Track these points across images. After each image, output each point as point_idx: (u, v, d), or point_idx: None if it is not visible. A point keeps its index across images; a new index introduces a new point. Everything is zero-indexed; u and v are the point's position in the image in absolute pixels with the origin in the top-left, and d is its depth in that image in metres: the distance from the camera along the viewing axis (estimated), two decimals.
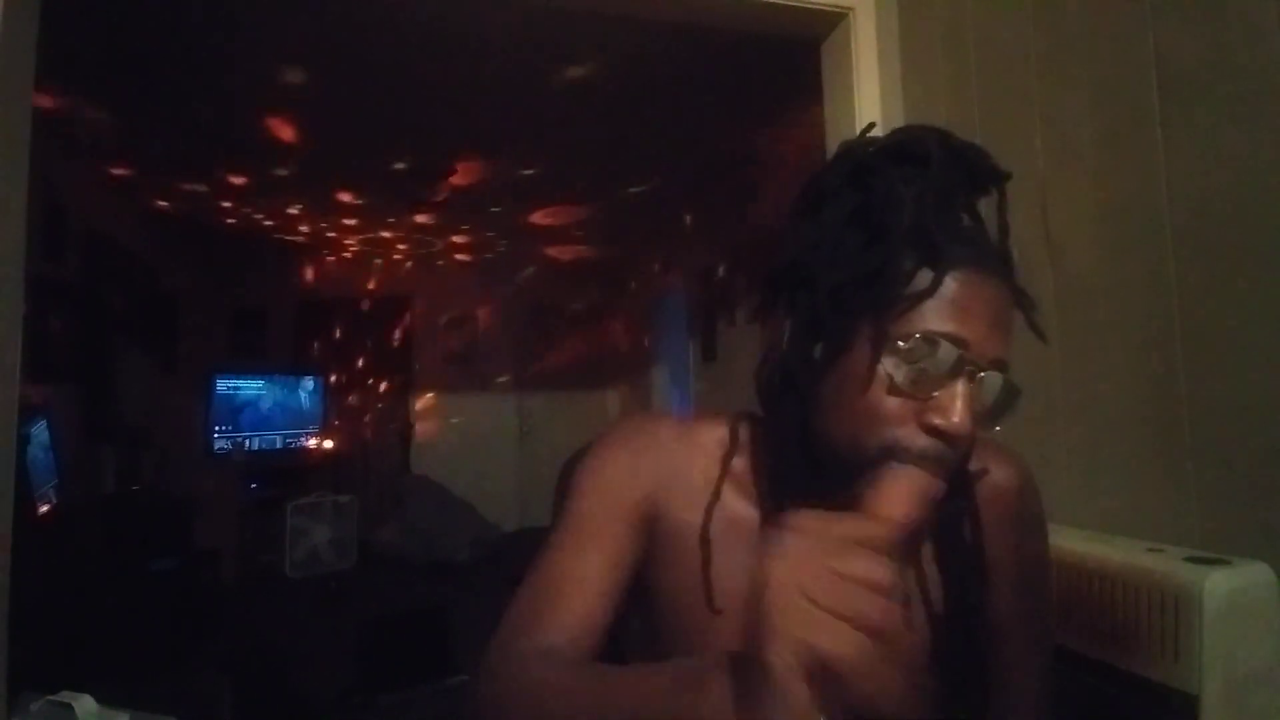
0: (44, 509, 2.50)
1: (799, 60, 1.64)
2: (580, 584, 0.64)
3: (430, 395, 5.84)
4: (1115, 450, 0.96)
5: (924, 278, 0.55)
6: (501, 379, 5.97)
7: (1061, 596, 0.89)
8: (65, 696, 1.08)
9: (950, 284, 0.55)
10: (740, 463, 0.68)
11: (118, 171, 3.57)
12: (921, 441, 0.55)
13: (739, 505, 0.66)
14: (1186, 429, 0.86)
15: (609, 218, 4.55)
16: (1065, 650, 0.86)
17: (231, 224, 4.50)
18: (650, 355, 5.44)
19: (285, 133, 3.12)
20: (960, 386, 0.55)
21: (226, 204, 4.13)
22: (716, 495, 0.66)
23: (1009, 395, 0.57)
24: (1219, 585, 0.74)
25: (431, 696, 2.38)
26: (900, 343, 0.55)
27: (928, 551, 0.66)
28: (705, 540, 0.65)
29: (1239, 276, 0.81)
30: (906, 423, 0.56)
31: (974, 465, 0.64)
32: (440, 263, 5.76)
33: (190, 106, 2.86)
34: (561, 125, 3.08)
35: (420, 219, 4.48)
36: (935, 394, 0.55)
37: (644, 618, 0.70)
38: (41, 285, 2.80)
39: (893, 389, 0.56)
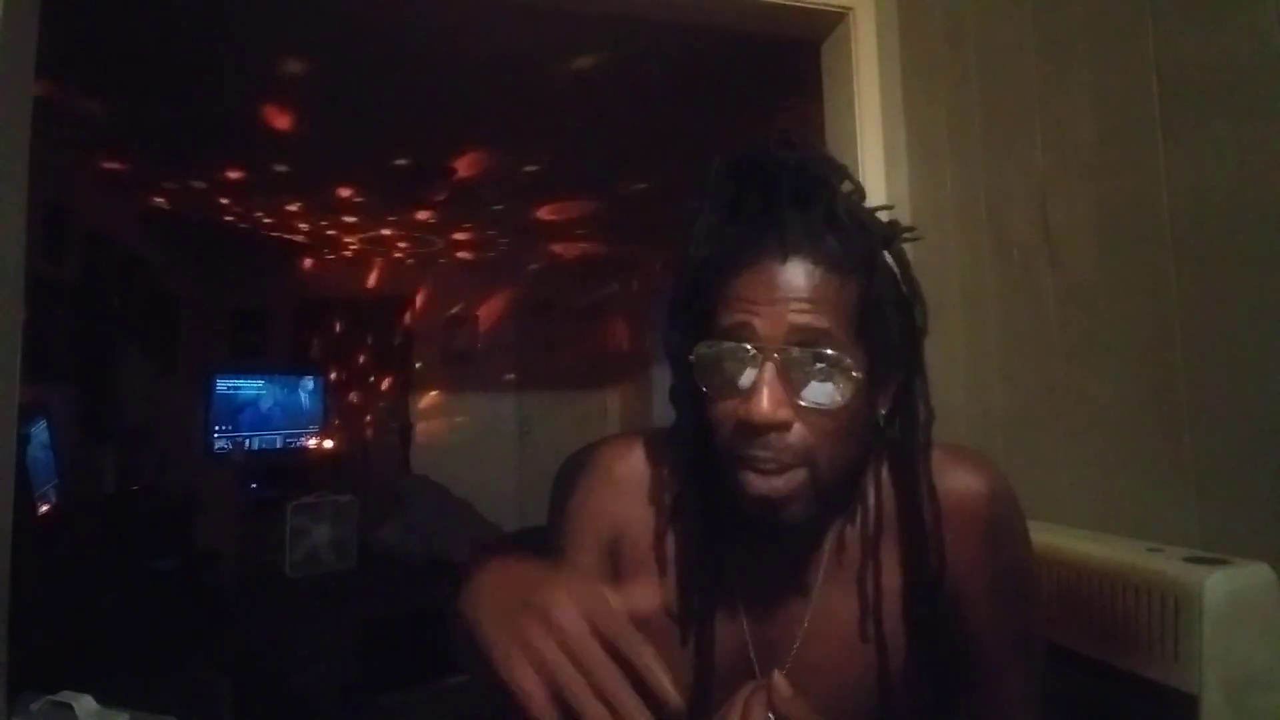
0: (44, 509, 2.50)
1: (799, 60, 1.64)
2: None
3: (430, 395, 5.83)
4: (1115, 450, 0.96)
5: (710, 292, 0.60)
6: (502, 379, 5.96)
7: (1061, 596, 0.89)
8: (65, 696, 1.08)
9: (736, 284, 0.59)
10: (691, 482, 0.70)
11: (117, 170, 3.57)
12: (739, 439, 0.58)
13: (689, 524, 0.69)
14: (1186, 428, 0.86)
15: (610, 216, 4.55)
16: (1065, 650, 0.86)
17: (231, 223, 4.49)
18: (650, 355, 5.43)
19: (285, 130, 3.12)
20: (763, 373, 0.56)
21: (226, 203, 4.12)
22: (666, 520, 0.70)
23: (838, 365, 0.57)
24: (1219, 585, 0.74)
25: (431, 696, 2.38)
26: (694, 356, 0.60)
27: (890, 562, 0.66)
28: (660, 558, 0.70)
29: (1239, 276, 0.81)
30: (732, 425, 0.58)
31: (939, 472, 0.64)
32: (441, 261, 5.76)
33: (190, 104, 2.85)
34: (562, 123, 3.08)
35: (421, 217, 4.48)
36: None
37: None
38: (41, 285, 2.80)
39: (717, 397, 0.59)
